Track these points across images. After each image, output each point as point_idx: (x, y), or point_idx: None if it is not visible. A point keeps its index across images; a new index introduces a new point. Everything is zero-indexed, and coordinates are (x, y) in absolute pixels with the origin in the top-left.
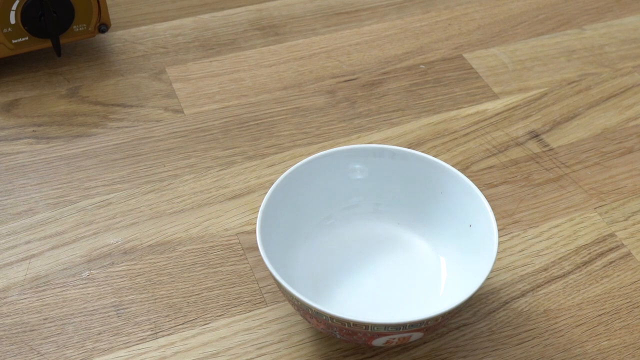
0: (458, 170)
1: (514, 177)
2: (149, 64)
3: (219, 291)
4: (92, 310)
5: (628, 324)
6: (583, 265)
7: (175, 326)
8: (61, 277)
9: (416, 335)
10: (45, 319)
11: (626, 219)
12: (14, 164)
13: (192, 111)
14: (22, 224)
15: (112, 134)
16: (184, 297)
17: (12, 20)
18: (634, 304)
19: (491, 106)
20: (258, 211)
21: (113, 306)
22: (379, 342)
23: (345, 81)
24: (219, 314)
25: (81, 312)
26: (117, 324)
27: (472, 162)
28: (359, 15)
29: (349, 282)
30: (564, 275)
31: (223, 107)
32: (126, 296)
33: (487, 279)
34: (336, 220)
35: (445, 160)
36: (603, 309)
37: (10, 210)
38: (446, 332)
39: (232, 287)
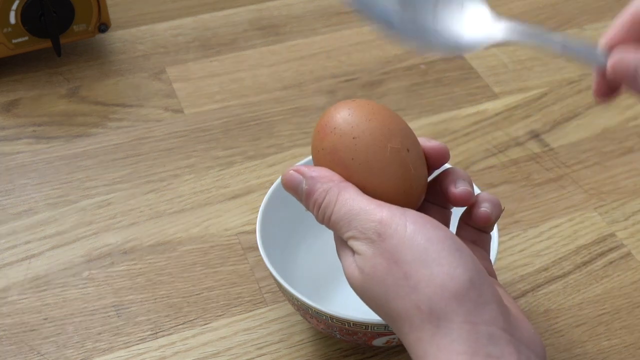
0: None
1: (514, 177)
2: (149, 63)
3: (219, 291)
4: (92, 310)
5: (628, 324)
6: (583, 265)
7: (175, 326)
8: (61, 277)
9: None
10: (45, 319)
11: (626, 219)
12: (14, 164)
13: (192, 111)
14: (22, 224)
15: (112, 134)
16: (184, 297)
17: (12, 20)
18: (634, 304)
19: (491, 106)
20: (258, 211)
21: (113, 306)
22: (379, 342)
23: (346, 81)
24: (219, 314)
25: (81, 312)
26: (117, 324)
27: (472, 162)
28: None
29: None
30: (564, 275)
31: (223, 107)
32: (126, 296)
33: None
34: None
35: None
36: (603, 308)
37: (10, 210)
38: None
39: (232, 287)
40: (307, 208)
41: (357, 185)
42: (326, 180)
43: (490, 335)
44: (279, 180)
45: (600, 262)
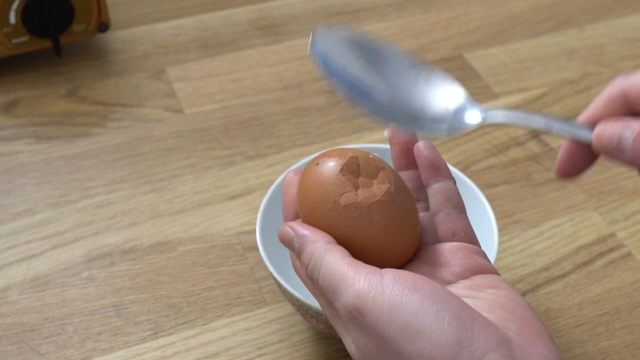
0: (458, 170)
1: (514, 177)
2: (149, 63)
3: (219, 291)
4: (92, 310)
5: (628, 324)
6: (583, 265)
7: (175, 326)
8: (61, 277)
9: None
10: (46, 319)
11: (626, 219)
12: (14, 164)
13: (192, 111)
14: (22, 224)
15: (112, 133)
16: (184, 297)
17: (12, 20)
18: (634, 304)
19: (491, 106)
20: (258, 211)
21: (113, 306)
22: None
23: None
24: (219, 314)
25: (81, 312)
26: (117, 324)
27: (472, 162)
28: (359, 15)
29: None
30: (564, 275)
31: (223, 107)
32: (126, 296)
33: None
34: None
35: (445, 160)
36: (603, 309)
37: (10, 210)
38: None
39: (232, 287)
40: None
41: (345, 240)
42: (314, 240)
43: None
44: (279, 180)
45: (600, 262)
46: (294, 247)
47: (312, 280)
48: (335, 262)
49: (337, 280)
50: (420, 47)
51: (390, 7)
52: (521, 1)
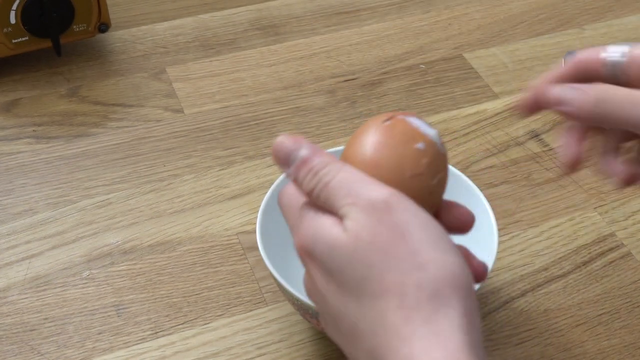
0: (458, 170)
1: (514, 177)
2: (149, 63)
3: (219, 291)
4: (92, 310)
5: (628, 324)
6: (583, 265)
7: (175, 326)
8: (61, 277)
9: None
10: (46, 318)
11: (626, 219)
12: (14, 164)
13: (192, 111)
14: (22, 223)
15: (112, 133)
16: (184, 296)
17: (12, 20)
18: (633, 304)
19: (491, 106)
20: (258, 211)
21: (113, 306)
22: None
23: (345, 81)
24: (219, 313)
25: (81, 312)
26: (117, 324)
27: (472, 162)
28: (359, 15)
29: None
30: (564, 275)
31: (223, 107)
32: (126, 296)
33: (487, 278)
34: None
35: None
36: (603, 308)
37: (10, 210)
38: None
39: (232, 287)
40: (295, 176)
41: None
42: (327, 156)
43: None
44: (279, 180)
45: (600, 262)
46: (294, 157)
47: (317, 184)
48: (358, 172)
49: (362, 183)
50: (420, 47)
51: (390, 7)
52: (521, 1)
